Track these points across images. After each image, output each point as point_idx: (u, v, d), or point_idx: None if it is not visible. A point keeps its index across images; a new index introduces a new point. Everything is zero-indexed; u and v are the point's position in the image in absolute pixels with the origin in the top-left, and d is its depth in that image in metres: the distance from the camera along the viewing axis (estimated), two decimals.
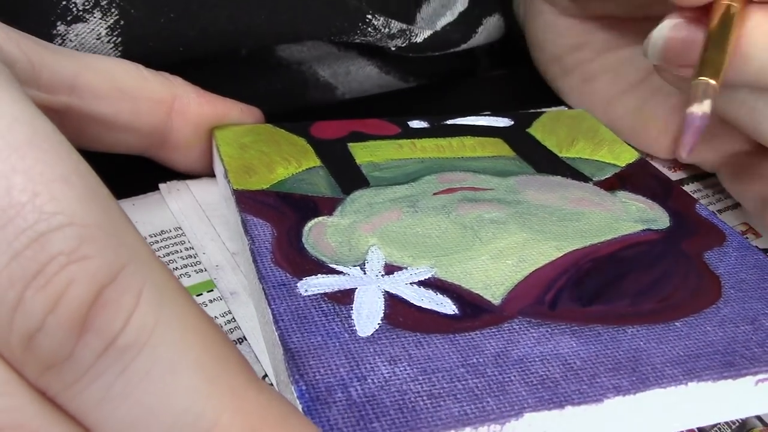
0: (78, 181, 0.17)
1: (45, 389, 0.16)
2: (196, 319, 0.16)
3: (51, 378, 0.15)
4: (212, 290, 0.26)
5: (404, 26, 0.36)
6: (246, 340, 0.24)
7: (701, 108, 0.23)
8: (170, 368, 0.15)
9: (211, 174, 0.31)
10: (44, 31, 0.30)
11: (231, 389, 0.16)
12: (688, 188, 0.33)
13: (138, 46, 0.31)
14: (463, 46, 0.40)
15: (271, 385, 0.22)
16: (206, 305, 0.25)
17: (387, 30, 0.35)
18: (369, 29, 0.34)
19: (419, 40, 0.37)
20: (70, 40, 0.30)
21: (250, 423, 0.15)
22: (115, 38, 0.31)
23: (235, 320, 0.25)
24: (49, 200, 0.16)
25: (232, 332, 0.25)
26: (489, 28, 0.40)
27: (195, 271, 0.27)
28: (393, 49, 0.37)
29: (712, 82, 0.23)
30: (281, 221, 0.25)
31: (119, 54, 0.31)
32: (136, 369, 0.15)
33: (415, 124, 0.33)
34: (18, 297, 0.15)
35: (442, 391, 0.19)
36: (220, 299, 0.26)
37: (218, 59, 0.35)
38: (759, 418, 0.25)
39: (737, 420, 0.25)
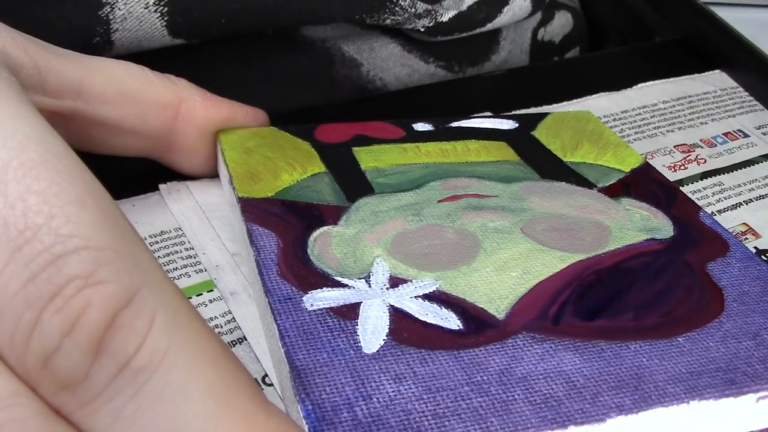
0: (92, 203, 0.17)
1: (59, 408, 0.16)
2: (209, 343, 0.16)
3: (66, 398, 0.16)
4: (212, 290, 0.26)
5: (429, 6, 0.36)
6: (246, 340, 0.24)
7: None
8: (182, 391, 0.16)
9: (216, 177, 0.31)
10: (95, 0, 0.31)
11: (241, 414, 0.16)
12: (688, 188, 0.34)
13: (183, 16, 0.32)
14: (489, 26, 0.40)
15: (271, 386, 0.23)
16: (206, 305, 0.26)
17: (413, 10, 0.36)
18: (396, 8, 0.35)
19: (445, 19, 0.37)
20: (119, 8, 0.31)
21: None
22: (162, 8, 0.32)
23: (235, 320, 0.25)
24: (64, 223, 0.16)
25: (232, 332, 0.25)
26: (515, 8, 0.41)
27: (195, 271, 0.27)
28: (421, 30, 0.37)
29: None
30: (286, 231, 0.25)
31: (165, 23, 0.32)
32: (148, 391, 0.15)
33: (420, 126, 0.33)
34: (35, 318, 0.15)
35: (446, 410, 0.19)
36: (220, 299, 0.26)
37: (245, 37, 0.36)
38: None
39: None
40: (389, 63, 0.40)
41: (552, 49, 0.47)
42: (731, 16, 0.45)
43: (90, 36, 0.26)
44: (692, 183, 0.34)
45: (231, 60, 0.31)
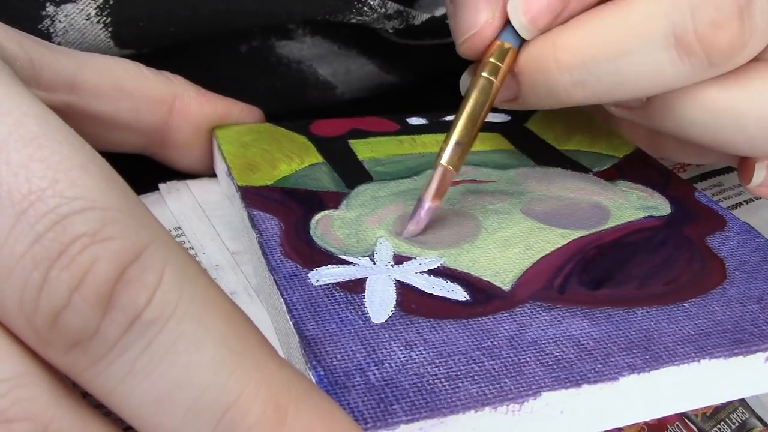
0: (95, 169, 0.17)
1: (70, 369, 0.16)
2: (218, 297, 0.16)
3: (77, 356, 0.15)
4: None
5: (401, 7, 0.36)
6: None
7: (434, 201, 0.24)
8: (194, 341, 0.15)
9: (212, 173, 0.31)
10: (33, 13, 0.30)
11: (254, 363, 0.16)
12: None
13: (128, 26, 0.31)
14: None
15: None
16: None
17: (383, 10, 0.35)
18: (364, 8, 0.34)
19: (417, 22, 0.36)
20: (60, 21, 0.30)
21: (274, 396, 0.15)
22: (104, 18, 0.31)
23: None
24: (69, 186, 0.16)
25: None
26: None
27: None
28: (390, 31, 0.36)
29: (451, 168, 0.25)
30: (288, 215, 0.25)
31: (109, 35, 0.31)
32: (161, 343, 0.15)
33: (414, 120, 0.33)
34: (43, 277, 0.15)
35: (459, 373, 0.19)
36: None
37: (218, 57, 0.35)
38: (759, 418, 0.25)
39: (737, 420, 0.25)
40: (365, 83, 0.40)
41: None
42: None
43: None
44: (696, 183, 0.34)
45: (202, 83, 0.30)
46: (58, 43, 0.31)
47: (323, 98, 0.39)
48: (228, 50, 0.35)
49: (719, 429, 0.25)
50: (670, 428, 0.25)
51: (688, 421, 0.25)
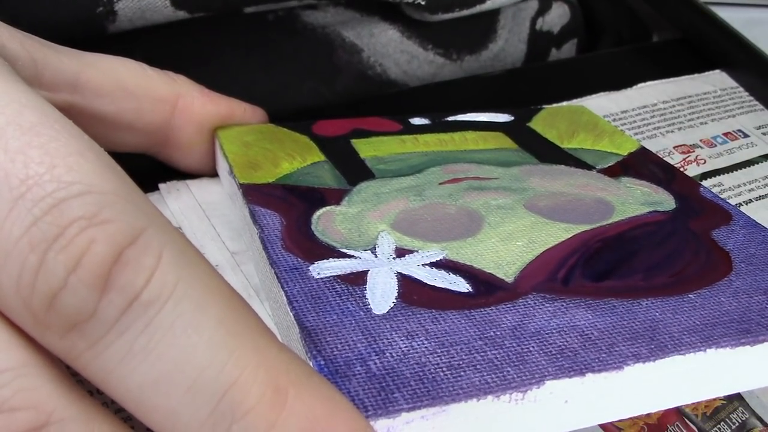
0: (93, 156, 0.17)
1: (67, 353, 0.16)
2: (217, 281, 0.16)
3: (74, 338, 0.15)
4: None
5: None
6: None
7: None
8: (193, 323, 0.15)
9: (214, 174, 0.31)
10: None
11: (253, 346, 0.16)
12: None
13: None
14: (488, 4, 0.41)
15: None
16: None
17: None
18: None
19: None
20: None
21: (274, 378, 0.15)
22: None
23: None
24: (66, 171, 0.16)
25: None
26: None
27: None
28: (422, 3, 0.37)
29: None
30: (289, 211, 0.25)
31: None
32: (159, 323, 0.15)
33: (417, 120, 0.33)
34: (39, 260, 0.15)
35: (461, 362, 0.19)
36: None
37: (247, 25, 0.35)
38: (759, 418, 0.25)
39: (737, 420, 0.25)
40: (389, 49, 0.41)
41: (550, 40, 0.48)
42: (731, 16, 0.44)
43: (93, 5, 0.26)
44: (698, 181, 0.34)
45: (233, 47, 0.30)
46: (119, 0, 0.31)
47: (350, 60, 0.39)
48: (255, 18, 0.36)
49: (719, 429, 0.25)
50: (669, 428, 0.25)
51: (688, 421, 0.25)
